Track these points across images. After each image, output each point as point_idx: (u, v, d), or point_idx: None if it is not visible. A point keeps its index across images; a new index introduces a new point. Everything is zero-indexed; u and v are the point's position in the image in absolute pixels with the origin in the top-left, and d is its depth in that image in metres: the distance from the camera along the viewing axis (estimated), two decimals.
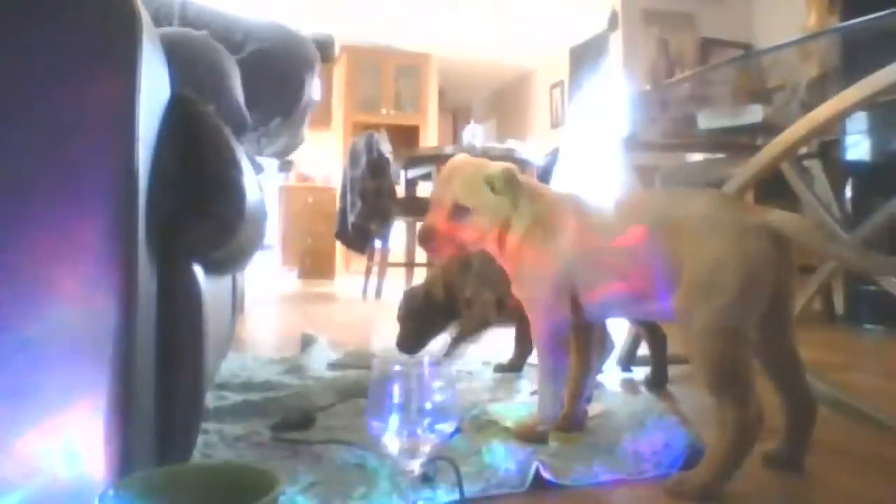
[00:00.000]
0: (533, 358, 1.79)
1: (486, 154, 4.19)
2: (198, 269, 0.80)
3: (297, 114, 1.51)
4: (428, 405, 0.68)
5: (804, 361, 1.02)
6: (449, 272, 1.82)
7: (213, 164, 0.79)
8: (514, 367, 1.83)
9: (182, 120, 0.77)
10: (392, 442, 0.69)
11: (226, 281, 1.25)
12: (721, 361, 0.92)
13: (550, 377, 1.14)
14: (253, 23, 1.43)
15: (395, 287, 4.67)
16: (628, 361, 1.91)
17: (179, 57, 0.81)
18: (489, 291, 1.76)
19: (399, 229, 4.56)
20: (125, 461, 0.59)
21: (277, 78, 1.37)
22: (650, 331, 1.72)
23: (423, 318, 1.81)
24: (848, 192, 3.24)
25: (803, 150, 3.06)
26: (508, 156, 4.21)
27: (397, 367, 0.69)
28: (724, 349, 0.92)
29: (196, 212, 0.76)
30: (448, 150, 4.25)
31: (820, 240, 0.98)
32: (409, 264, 4.60)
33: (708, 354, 0.93)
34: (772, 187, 2.66)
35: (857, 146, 3.30)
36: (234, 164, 0.81)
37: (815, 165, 3.38)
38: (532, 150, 4.44)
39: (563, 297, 1.12)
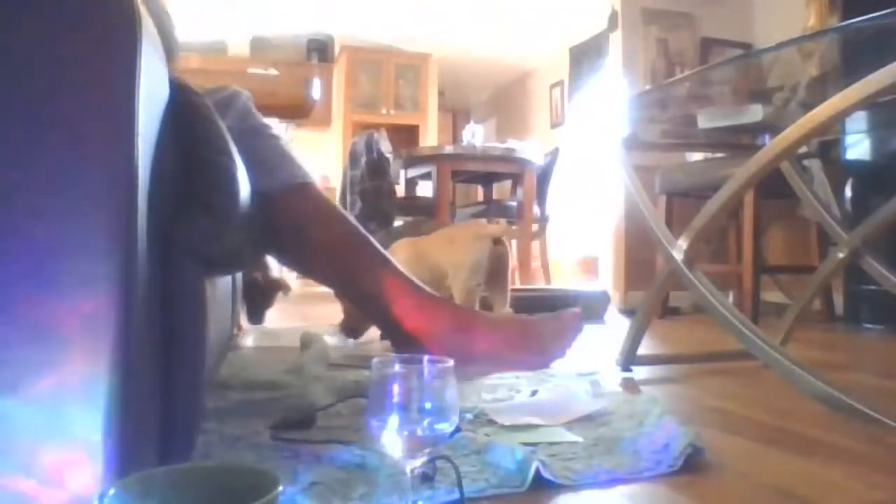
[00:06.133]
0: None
1: (486, 153, 4.19)
2: (198, 268, 0.80)
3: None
4: (428, 405, 0.68)
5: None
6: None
7: (204, 152, 0.79)
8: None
9: (179, 114, 0.77)
10: (392, 442, 0.69)
11: (226, 280, 1.25)
12: (469, 297, 2.10)
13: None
14: None
15: None
16: (628, 361, 1.91)
17: None
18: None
19: None
20: (125, 461, 0.59)
21: None
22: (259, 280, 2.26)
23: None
24: (848, 192, 3.24)
25: (803, 149, 3.06)
26: (508, 155, 4.21)
27: (397, 367, 0.69)
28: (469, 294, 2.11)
29: (191, 205, 0.76)
30: (448, 149, 4.25)
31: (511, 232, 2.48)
32: None
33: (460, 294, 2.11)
34: (772, 187, 2.67)
35: (857, 146, 3.30)
36: (224, 153, 0.81)
37: (815, 165, 3.38)
38: (532, 149, 4.43)
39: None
